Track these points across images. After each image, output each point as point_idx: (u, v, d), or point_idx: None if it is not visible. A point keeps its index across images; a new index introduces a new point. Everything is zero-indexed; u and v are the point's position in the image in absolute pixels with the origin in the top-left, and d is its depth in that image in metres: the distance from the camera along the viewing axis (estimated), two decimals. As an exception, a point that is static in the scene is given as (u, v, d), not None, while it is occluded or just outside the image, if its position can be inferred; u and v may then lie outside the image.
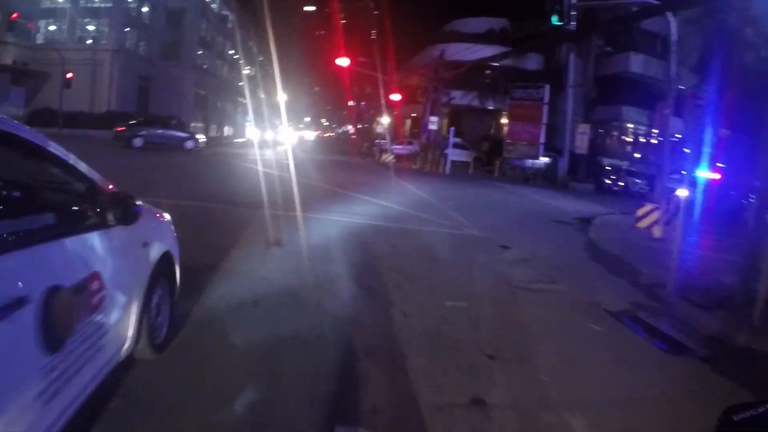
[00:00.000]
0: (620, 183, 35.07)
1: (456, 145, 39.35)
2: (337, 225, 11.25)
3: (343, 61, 39.24)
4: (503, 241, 11.24)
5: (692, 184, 19.51)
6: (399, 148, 43.92)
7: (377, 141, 48.34)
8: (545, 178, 36.35)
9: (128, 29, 48.58)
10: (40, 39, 45.86)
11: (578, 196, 28.62)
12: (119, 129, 31.81)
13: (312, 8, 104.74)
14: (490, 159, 41.61)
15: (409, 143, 45.28)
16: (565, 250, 11.67)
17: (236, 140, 54.14)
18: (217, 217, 11.05)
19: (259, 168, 20.61)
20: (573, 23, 18.73)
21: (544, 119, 37.02)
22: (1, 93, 39.82)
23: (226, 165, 24.43)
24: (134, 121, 34.44)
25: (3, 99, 39.77)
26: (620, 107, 41.55)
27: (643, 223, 15.74)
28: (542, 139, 36.97)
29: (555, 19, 18.62)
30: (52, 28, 47.10)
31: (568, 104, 37.84)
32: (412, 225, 12.31)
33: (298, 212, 11.85)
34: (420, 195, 19.10)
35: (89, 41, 46.65)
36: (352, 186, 19.06)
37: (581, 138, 35.66)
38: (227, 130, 62.57)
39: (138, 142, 30.77)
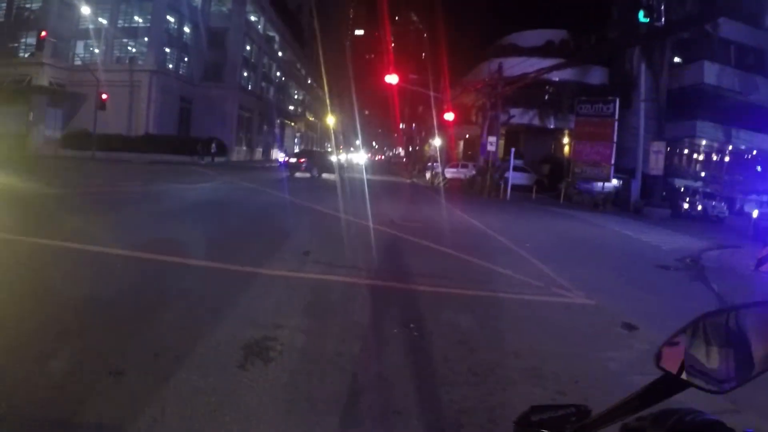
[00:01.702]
0: (698, 207, 31.95)
1: (516, 168, 36.57)
2: (376, 297, 8.50)
3: (393, 78, 37.03)
4: (620, 313, 8.16)
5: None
6: (453, 171, 41.77)
7: (429, 164, 46.24)
8: (615, 204, 33.17)
9: (168, 50, 47.75)
10: (77, 60, 45.21)
11: (657, 223, 25.66)
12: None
13: (361, 32, 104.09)
14: (552, 183, 38.67)
15: (464, 166, 42.91)
16: None
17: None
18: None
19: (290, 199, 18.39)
20: (662, 20, 16.66)
21: (615, 137, 33.95)
22: (38, 115, 39.74)
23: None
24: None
25: (39, 121, 39.59)
26: (694, 122, 38.46)
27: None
28: (613, 160, 33.86)
29: (642, 15, 16.49)
30: (90, 49, 46.49)
31: (639, 120, 34.59)
32: (489, 288, 9.39)
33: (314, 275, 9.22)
34: (486, 233, 16.38)
35: (127, 62, 45.47)
36: (404, 224, 16.40)
37: (655, 157, 32.55)
38: (275, 154, 61.22)
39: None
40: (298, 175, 35.84)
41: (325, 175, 36.54)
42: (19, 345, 5.19)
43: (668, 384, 0.91)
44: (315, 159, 38.56)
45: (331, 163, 39.51)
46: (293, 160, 38.30)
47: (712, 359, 0.88)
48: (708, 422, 0.91)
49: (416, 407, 4.60)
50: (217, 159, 44.15)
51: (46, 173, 23.06)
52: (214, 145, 43.33)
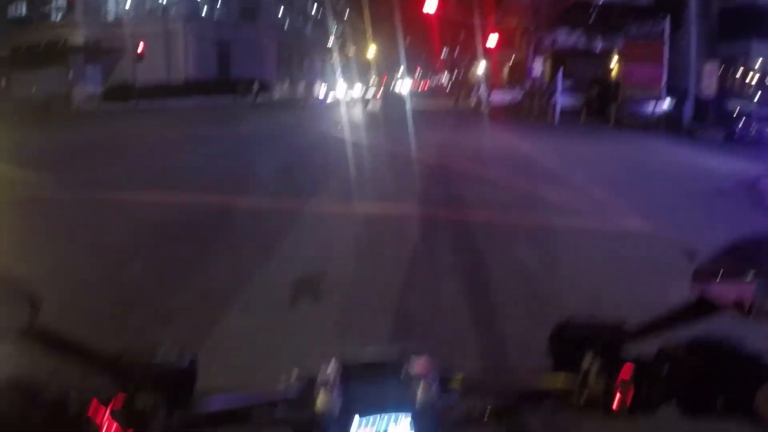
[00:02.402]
0: (754, 130, 30.84)
1: (564, 91, 35.73)
2: (427, 227, 8.57)
3: (431, 6, 36.17)
4: (679, 240, 7.88)
5: None
6: (499, 96, 41.01)
7: (475, 89, 45.47)
8: (667, 126, 32.34)
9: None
10: (110, 16, 45.23)
11: (711, 146, 25.06)
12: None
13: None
14: (602, 105, 37.75)
15: (511, 90, 42.08)
16: None
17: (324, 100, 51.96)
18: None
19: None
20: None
21: (665, 58, 32.88)
22: (77, 73, 40.07)
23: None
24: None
25: (79, 78, 39.93)
26: (749, 42, 36.90)
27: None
28: (664, 81, 32.87)
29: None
30: (122, 4, 46.30)
31: (690, 40, 33.43)
32: (542, 216, 9.40)
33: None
34: (536, 157, 16.29)
35: (160, 12, 45.60)
36: (453, 152, 16.31)
37: (708, 79, 31.47)
38: (317, 89, 60.95)
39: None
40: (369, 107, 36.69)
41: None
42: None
43: (705, 305, 0.88)
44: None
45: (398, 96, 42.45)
46: (369, 96, 42.95)
47: (752, 284, 0.84)
48: (746, 354, 0.91)
49: (473, 340, 4.70)
50: (259, 98, 44.05)
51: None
52: (255, 85, 43.19)
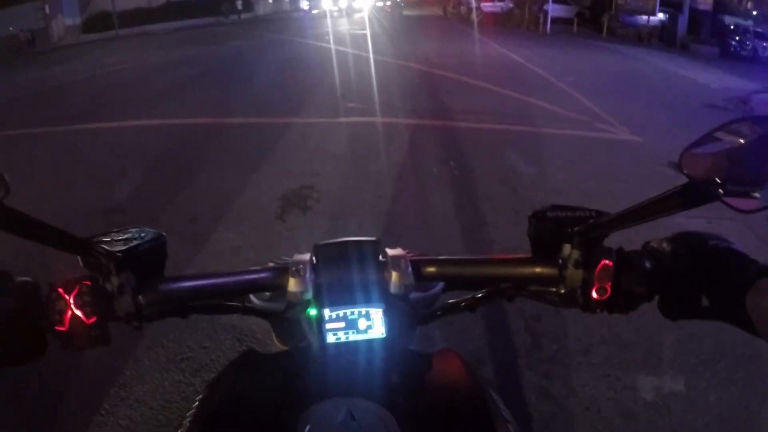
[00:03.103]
0: (748, 46, 30.37)
1: (556, 0, 34.80)
2: (414, 135, 8.21)
3: None
4: (667, 152, 7.76)
5: None
6: (489, 6, 40.01)
7: (464, -2, 44.47)
8: (661, 38, 31.73)
9: None
10: None
11: (704, 61, 24.37)
12: None
13: None
14: (595, 15, 36.94)
15: (502, -1, 41.10)
16: None
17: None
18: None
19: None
20: None
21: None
22: (53, 5, 38.60)
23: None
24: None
25: (57, 11, 38.58)
26: (750, -47, 35.88)
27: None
28: (657, -8, 32.09)
29: None
30: None
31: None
32: (530, 124, 9.08)
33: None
34: (528, 67, 15.84)
35: None
36: (440, 61, 15.84)
37: (704, -9, 30.78)
38: (302, 2, 59.49)
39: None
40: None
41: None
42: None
43: (691, 193, 0.76)
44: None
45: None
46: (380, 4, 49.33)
47: (745, 170, 0.73)
48: (732, 250, 0.85)
49: (459, 248, 4.55)
50: (243, 15, 43.03)
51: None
52: (238, 2, 42.22)
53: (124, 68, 17.17)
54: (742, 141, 0.75)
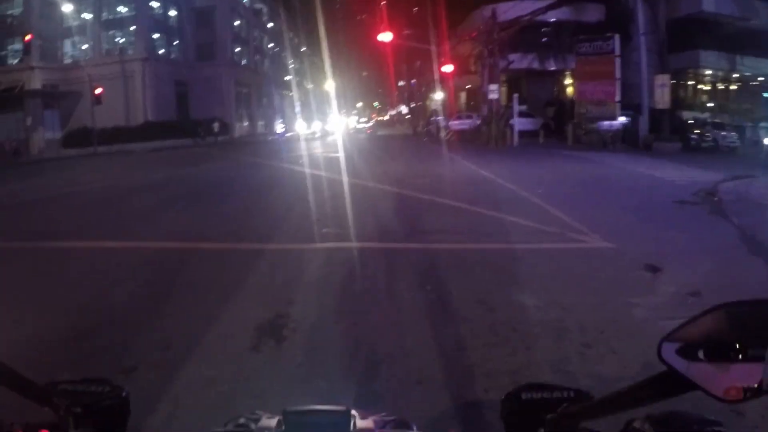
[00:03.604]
0: (708, 138, 31.37)
1: (521, 114, 36.23)
2: (389, 260, 8.32)
3: (386, 36, 36.48)
4: (641, 255, 7.94)
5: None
6: (457, 123, 41.30)
7: (433, 118, 45.84)
8: (625, 141, 32.67)
9: (157, 35, 47.41)
10: (67, 59, 45.07)
11: (668, 158, 25.07)
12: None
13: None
14: (559, 125, 38.11)
15: (468, 117, 42.47)
16: (733, 260, 7.98)
17: (280, 134, 51.97)
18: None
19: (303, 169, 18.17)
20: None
21: (618, 74, 33.31)
22: (35, 118, 39.49)
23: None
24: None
25: (38, 124, 39.47)
26: (697, 52, 37.56)
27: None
28: (618, 97, 33.27)
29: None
30: (79, 46, 46.28)
31: (641, 55, 33.99)
32: (504, 240, 9.18)
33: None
34: (496, 182, 16.18)
35: (117, 53, 45.29)
36: (412, 181, 16.20)
37: (661, 91, 31.92)
38: (276, 125, 61.21)
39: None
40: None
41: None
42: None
43: (673, 381, 0.76)
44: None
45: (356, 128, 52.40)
46: (361, 126, 56.63)
47: (722, 361, 0.73)
48: None
49: (438, 375, 4.44)
50: (219, 138, 43.99)
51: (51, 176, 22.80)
52: (215, 125, 43.20)
53: (102, 186, 17.43)
54: (716, 328, 0.75)
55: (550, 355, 4.79)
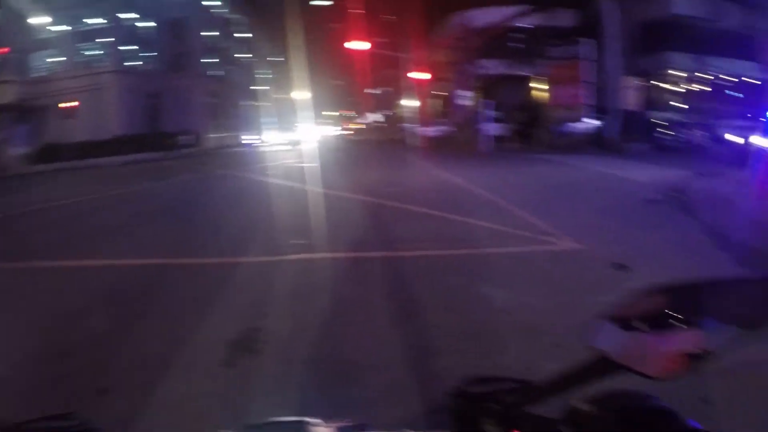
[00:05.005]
0: (677, 137, 31.87)
1: (493, 119, 36.32)
2: (360, 269, 8.29)
3: (362, 45, 36.56)
4: (610, 254, 8.01)
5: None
6: (431, 131, 41.36)
7: (406, 125, 45.90)
8: (596, 143, 32.96)
9: (128, 48, 47.13)
10: (39, 72, 44.87)
11: (638, 158, 25.35)
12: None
13: (321, 2, 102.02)
14: (529, 130, 38.34)
15: (442, 123, 42.51)
16: (700, 256, 8.07)
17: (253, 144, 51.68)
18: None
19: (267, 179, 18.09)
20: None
21: (584, 78, 33.63)
22: (7, 133, 39.03)
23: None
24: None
25: (9, 139, 39.00)
26: (666, 54, 38.07)
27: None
28: (585, 100, 33.57)
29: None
30: (50, 59, 46.00)
31: (610, 58, 34.33)
32: (474, 246, 9.19)
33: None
34: (469, 189, 16.17)
35: (90, 66, 44.93)
36: (384, 190, 16.13)
37: (630, 93, 32.37)
38: (247, 135, 60.90)
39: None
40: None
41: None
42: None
43: (604, 365, 0.78)
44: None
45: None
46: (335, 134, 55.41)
47: (650, 341, 0.75)
48: (657, 409, 0.84)
49: (411, 382, 4.44)
50: (190, 150, 43.68)
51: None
52: (185, 137, 42.88)
53: (72, 202, 17.16)
54: (647, 310, 0.77)
55: (522, 356, 4.81)
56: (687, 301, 0.76)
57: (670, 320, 0.74)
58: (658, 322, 0.75)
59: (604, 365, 0.78)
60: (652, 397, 0.85)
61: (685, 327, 0.73)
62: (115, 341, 5.51)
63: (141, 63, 49.69)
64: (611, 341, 0.77)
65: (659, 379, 0.73)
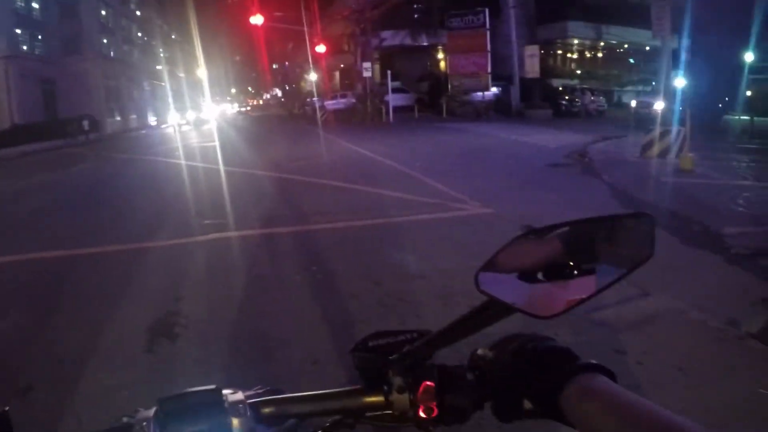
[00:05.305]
0: (577, 103, 32.65)
1: (395, 90, 36.08)
2: (273, 246, 7.90)
3: (257, 19, 35.50)
4: (519, 217, 7.93)
5: (667, 95, 17.59)
6: (333, 103, 40.95)
7: (309, 99, 45.32)
8: (498, 111, 33.30)
9: (19, 30, 44.16)
10: None
11: (540, 124, 25.87)
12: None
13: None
14: (433, 99, 38.42)
15: (343, 96, 42.14)
16: (607, 212, 8.17)
17: (150, 128, 50.16)
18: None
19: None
20: None
21: (486, 47, 33.83)
22: None
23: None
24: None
25: None
26: (565, 23, 38.86)
27: (653, 152, 13.41)
28: (488, 69, 33.81)
29: None
30: None
31: (510, 27, 34.63)
32: (385, 215, 8.94)
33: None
34: (376, 159, 15.86)
35: None
36: (290, 165, 15.63)
37: (531, 61, 32.80)
38: (149, 118, 58.87)
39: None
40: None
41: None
42: None
43: (493, 309, 0.80)
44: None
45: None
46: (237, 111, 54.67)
47: (548, 290, 0.79)
48: (551, 348, 0.85)
49: (332, 353, 4.40)
50: (92, 136, 41.72)
51: None
52: (85, 123, 40.90)
53: None
54: (530, 255, 0.78)
55: (439, 320, 4.52)
56: (576, 245, 0.79)
57: (565, 269, 0.77)
58: (553, 271, 0.77)
59: (496, 308, 0.79)
60: (548, 338, 0.88)
61: (577, 274, 0.77)
62: (33, 338, 5.08)
63: (34, 47, 46.84)
64: (506, 288, 0.78)
65: (547, 318, 0.75)
